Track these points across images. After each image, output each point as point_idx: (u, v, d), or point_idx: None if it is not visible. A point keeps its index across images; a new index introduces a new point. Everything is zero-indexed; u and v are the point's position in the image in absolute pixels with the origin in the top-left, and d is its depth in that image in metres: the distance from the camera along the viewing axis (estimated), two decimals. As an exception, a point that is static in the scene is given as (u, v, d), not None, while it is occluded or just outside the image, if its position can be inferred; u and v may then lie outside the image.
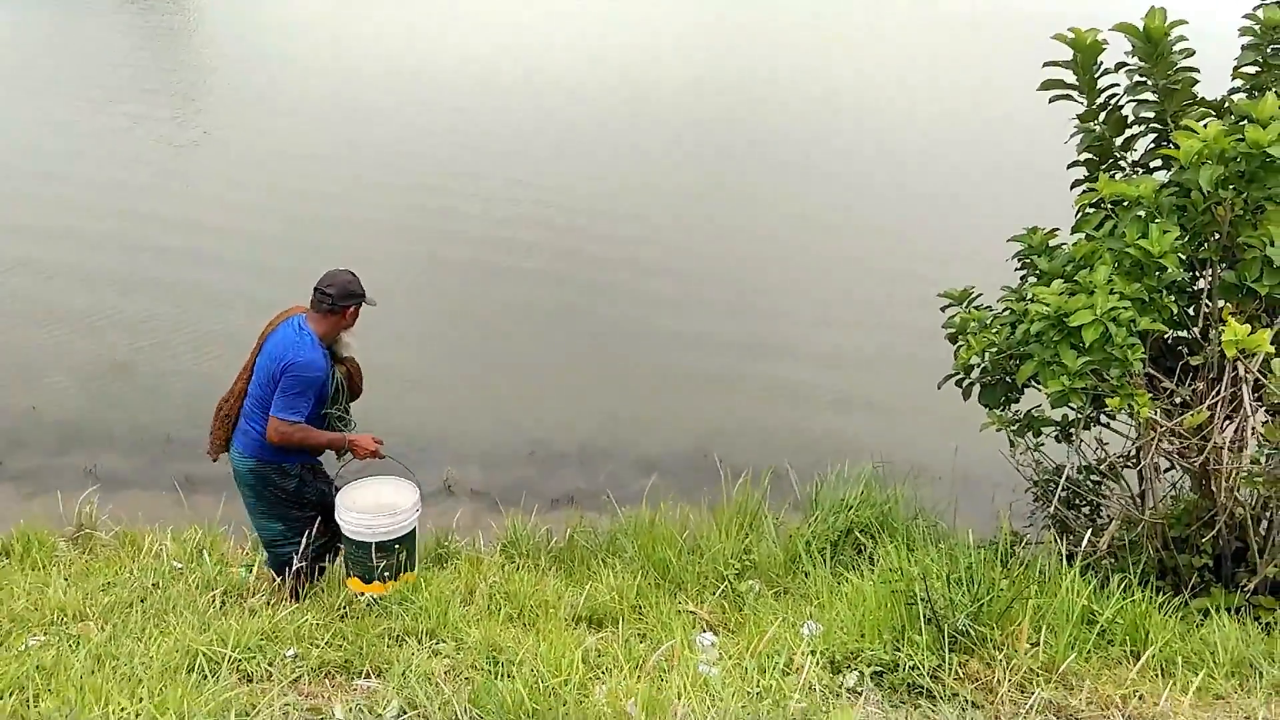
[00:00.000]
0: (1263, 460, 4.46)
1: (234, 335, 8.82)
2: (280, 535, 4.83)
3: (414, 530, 4.85)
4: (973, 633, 3.93)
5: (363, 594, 4.72)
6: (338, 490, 4.85)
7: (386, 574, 4.73)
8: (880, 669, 3.88)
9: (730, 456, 7.01)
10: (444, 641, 4.23)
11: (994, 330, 4.96)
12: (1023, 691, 3.71)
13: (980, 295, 5.37)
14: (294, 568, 4.76)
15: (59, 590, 4.78)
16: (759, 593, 5.18)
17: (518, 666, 3.86)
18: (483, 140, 16.46)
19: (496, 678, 3.79)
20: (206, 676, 3.78)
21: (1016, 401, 5.15)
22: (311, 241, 11.64)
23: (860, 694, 3.74)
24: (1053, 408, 4.67)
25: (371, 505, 4.75)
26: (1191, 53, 4.73)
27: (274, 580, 4.95)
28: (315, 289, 4.64)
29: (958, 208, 13.71)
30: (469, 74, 20.64)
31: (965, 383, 5.23)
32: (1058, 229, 5.12)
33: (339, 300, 4.61)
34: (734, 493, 6.19)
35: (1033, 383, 4.74)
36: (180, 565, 5.35)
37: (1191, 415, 4.33)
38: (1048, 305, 4.39)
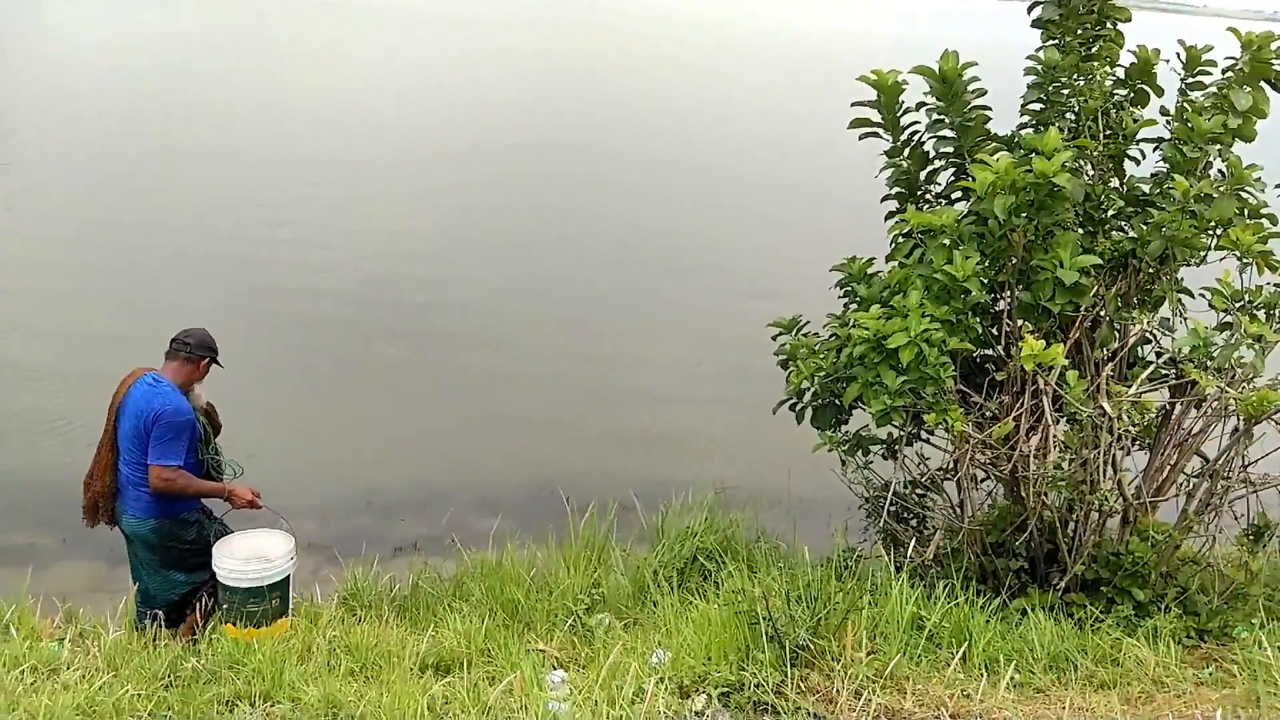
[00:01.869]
0: (1065, 465, 4.82)
1: (43, 405, 8.23)
2: (182, 584, 5.05)
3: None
4: (812, 646, 4.06)
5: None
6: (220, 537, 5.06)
7: (238, 619, 4.79)
8: (727, 689, 3.95)
9: (575, 491, 6.98)
10: (279, 703, 4.04)
11: (821, 355, 5.18)
12: (859, 698, 3.85)
13: (808, 323, 5.59)
14: (202, 604, 4.99)
15: None
16: (609, 626, 5.17)
17: (359, 720, 3.73)
18: (310, 187, 15.93)
19: (337, 734, 3.65)
20: (15, 759, 3.48)
21: (845, 423, 5.37)
22: (128, 300, 10.98)
23: (706, 715, 3.80)
24: (878, 426, 4.91)
25: (241, 550, 4.91)
26: (983, 92, 5.11)
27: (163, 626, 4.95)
28: (173, 340, 4.96)
29: (786, 239, 14.25)
30: (298, 114, 20.07)
31: (798, 407, 5.42)
32: (874, 258, 5.41)
33: (196, 350, 4.95)
34: (581, 527, 6.19)
35: (858, 403, 4.97)
36: (-18, 644, 4.90)
37: (999, 427, 4.65)
38: (868, 329, 4.63)
